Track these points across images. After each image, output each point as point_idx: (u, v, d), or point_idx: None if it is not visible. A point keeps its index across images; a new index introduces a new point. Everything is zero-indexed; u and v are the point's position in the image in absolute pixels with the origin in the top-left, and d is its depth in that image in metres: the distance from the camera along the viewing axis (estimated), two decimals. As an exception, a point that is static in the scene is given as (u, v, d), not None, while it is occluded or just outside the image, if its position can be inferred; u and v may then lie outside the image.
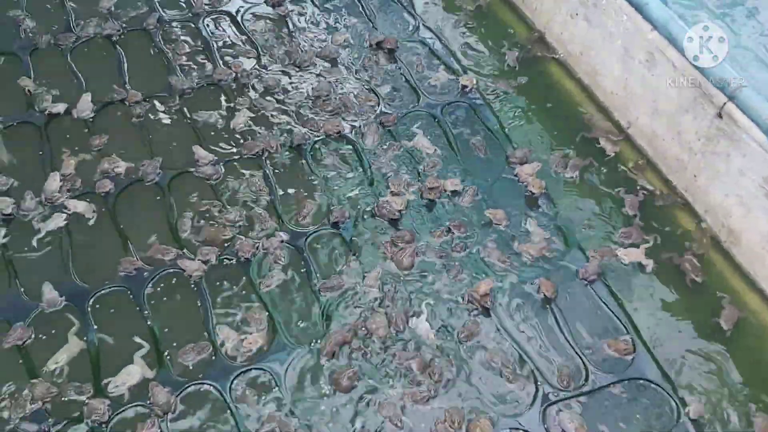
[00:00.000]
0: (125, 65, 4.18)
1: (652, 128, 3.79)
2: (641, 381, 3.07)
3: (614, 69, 3.93)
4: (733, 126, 3.28)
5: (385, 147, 3.86)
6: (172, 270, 3.31)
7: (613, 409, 3.00)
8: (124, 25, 4.35)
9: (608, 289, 3.35)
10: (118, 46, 4.27)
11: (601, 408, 3.02)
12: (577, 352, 3.13)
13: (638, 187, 3.72)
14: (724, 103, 3.31)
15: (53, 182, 3.55)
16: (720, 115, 3.34)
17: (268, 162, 3.75)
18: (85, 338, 3.10)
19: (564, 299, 3.31)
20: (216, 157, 3.72)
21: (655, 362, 3.13)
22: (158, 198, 3.59)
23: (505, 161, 3.83)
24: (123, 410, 2.92)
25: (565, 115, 4.10)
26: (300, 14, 4.56)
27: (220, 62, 4.20)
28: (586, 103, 4.13)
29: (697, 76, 3.41)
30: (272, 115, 3.98)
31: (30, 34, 4.29)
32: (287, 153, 3.80)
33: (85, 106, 3.90)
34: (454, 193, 3.66)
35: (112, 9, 4.44)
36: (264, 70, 4.19)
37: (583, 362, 3.10)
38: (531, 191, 3.66)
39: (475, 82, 4.15)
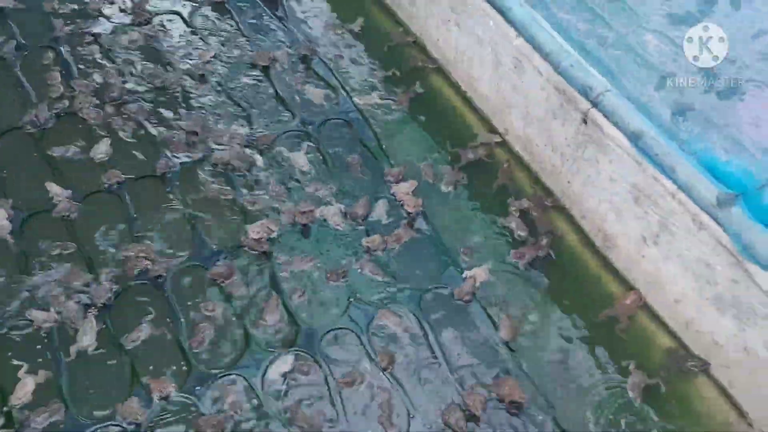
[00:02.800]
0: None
1: (526, 134, 3.73)
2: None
3: (486, 75, 3.85)
4: (599, 132, 3.23)
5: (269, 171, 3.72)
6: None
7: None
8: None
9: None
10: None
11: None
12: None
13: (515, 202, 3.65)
14: (588, 109, 3.25)
15: None
16: (585, 122, 3.29)
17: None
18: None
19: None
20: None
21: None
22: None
23: (382, 180, 3.72)
24: None
25: (446, 125, 4.00)
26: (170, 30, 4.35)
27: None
28: (465, 110, 4.06)
29: (561, 82, 3.35)
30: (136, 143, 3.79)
31: None
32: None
33: None
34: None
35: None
36: (129, 95, 3.97)
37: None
38: (407, 210, 3.55)
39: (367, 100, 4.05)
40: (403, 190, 3.60)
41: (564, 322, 3.28)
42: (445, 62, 4.19)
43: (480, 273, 3.36)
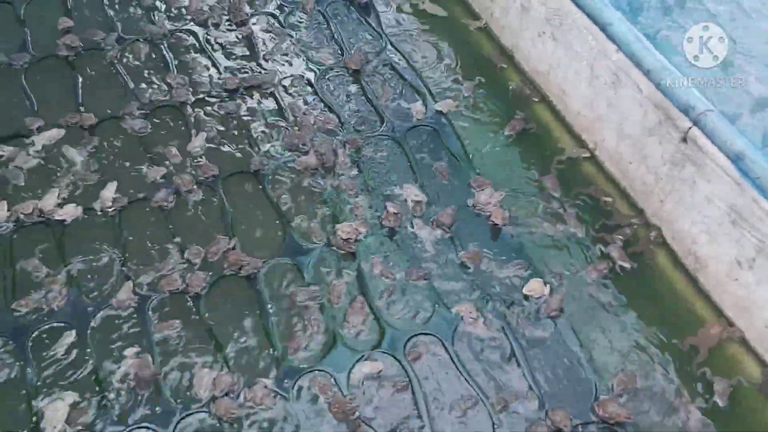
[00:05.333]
0: (80, 86, 4.07)
1: (618, 151, 3.69)
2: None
3: (580, 89, 3.83)
4: (699, 152, 3.19)
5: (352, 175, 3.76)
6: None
7: None
8: (81, 45, 4.24)
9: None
10: (74, 67, 4.16)
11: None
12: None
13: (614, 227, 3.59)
14: (689, 128, 3.21)
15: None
16: (685, 140, 3.25)
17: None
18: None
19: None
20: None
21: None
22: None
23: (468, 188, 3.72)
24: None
25: (536, 141, 3.99)
26: (266, 32, 4.46)
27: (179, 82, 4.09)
28: (553, 123, 4.04)
29: (661, 99, 3.31)
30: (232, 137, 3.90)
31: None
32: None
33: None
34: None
35: (70, 28, 4.33)
36: (224, 92, 4.09)
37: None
38: (493, 221, 3.55)
39: (451, 107, 4.06)
40: (486, 199, 3.61)
41: (649, 342, 3.23)
42: (535, 74, 4.18)
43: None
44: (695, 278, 3.40)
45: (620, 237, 3.53)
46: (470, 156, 3.86)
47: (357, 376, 3.05)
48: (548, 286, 3.33)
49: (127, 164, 3.73)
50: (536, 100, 4.12)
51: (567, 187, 3.75)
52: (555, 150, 3.90)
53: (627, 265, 3.44)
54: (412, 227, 3.54)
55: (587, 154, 3.87)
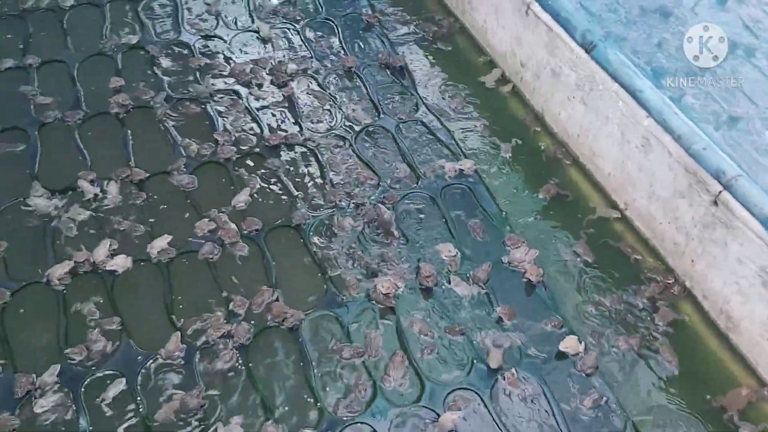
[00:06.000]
0: (131, 142, 4.27)
1: (648, 211, 3.81)
2: None
3: (611, 152, 3.97)
4: (730, 215, 3.30)
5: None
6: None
7: None
8: (130, 102, 4.45)
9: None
10: (124, 124, 4.37)
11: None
12: None
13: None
14: (720, 192, 3.33)
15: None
16: (716, 203, 3.36)
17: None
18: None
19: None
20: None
21: None
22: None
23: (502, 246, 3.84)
24: None
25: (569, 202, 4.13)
26: (306, 93, 4.67)
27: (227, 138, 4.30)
28: (584, 183, 4.18)
29: (691, 163, 3.44)
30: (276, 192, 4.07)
31: (39, 110, 4.40)
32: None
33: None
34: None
35: (121, 87, 4.56)
36: (267, 148, 4.27)
37: None
38: (528, 278, 3.66)
39: (472, 167, 4.20)
40: (520, 256, 3.72)
41: (678, 399, 3.29)
42: (565, 135, 4.34)
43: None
44: (727, 337, 3.48)
45: (651, 295, 3.63)
46: (504, 214, 3.99)
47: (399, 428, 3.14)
48: (583, 343, 3.41)
49: (175, 218, 3.89)
50: (568, 162, 4.28)
51: (597, 247, 3.86)
52: (586, 210, 4.03)
53: (660, 323, 3.52)
54: (449, 283, 3.65)
55: (618, 215, 3.99)
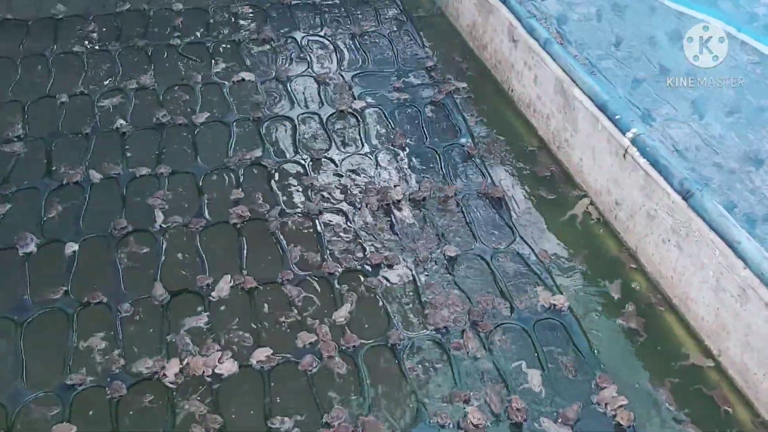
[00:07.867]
0: (245, 251, 4.65)
1: (743, 360, 3.80)
2: None
3: (706, 297, 4.02)
4: (830, 376, 3.27)
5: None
6: None
7: None
8: (248, 214, 4.86)
9: None
10: (240, 234, 4.76)
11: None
12: None
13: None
14: (821, 352, 3.32)
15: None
16: (816, 362, 3.35)
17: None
18: None
19: None
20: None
21: None
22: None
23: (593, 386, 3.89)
24: None
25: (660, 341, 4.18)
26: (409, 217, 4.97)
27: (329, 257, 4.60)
28: (676, 326, 4.22)
29: (791, 319, 3.46)
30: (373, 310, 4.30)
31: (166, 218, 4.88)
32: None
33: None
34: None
35: (240, 200, 5.00)
36: (368, 267, 4.56)
37: None
38: (619, 422, 3.68)
39: (565, 303, 4.32)
40: (610, 397, 3.75)
41: None
42: (658, 276, 4.42)
43: None
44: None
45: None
46: (596, 353, 4.06)
47: None
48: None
49: (282, 328, 4.18)
50: (662, 309, 4.34)
51: (687, 394, 3.86)
52: (679, 355, 4.07)
53: None
54: (539, 425, 3.71)
55: (711, 364, 3.98)
